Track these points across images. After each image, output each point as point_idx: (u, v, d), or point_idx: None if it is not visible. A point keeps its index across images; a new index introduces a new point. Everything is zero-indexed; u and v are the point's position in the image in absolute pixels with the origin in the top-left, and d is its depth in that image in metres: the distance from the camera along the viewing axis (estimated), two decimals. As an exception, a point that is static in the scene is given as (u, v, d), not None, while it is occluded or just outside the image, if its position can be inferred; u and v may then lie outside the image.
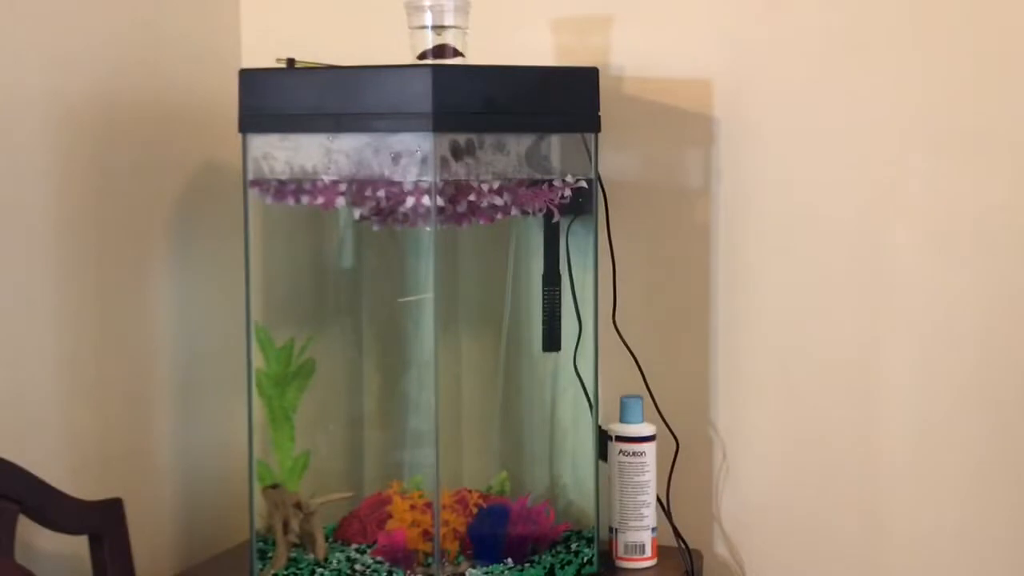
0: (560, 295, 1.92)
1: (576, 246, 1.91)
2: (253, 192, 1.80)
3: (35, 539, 1.73)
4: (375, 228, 1.81)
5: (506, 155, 1.79)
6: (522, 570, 1.80)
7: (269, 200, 1.80)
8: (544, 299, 1.93)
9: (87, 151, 1.83)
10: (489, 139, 1.77)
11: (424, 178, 1.71)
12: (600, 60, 2.01)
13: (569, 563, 1.85)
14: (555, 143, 1.84)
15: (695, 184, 2.02)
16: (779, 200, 1.98)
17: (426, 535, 1.80)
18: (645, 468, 1.90)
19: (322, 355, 1.89)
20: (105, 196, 1.87)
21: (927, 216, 1.94)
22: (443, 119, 1.69)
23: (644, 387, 1.97)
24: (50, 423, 1.79)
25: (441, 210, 1.72)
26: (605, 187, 1.91)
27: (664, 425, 1.97)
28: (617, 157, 2.00)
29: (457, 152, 1.74)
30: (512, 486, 1.95)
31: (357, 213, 1.78)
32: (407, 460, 1.94)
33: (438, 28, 1.81)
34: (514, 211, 1.80)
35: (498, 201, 1.77)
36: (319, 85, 1.76)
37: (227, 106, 1.82)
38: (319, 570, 1.81)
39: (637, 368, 1.97)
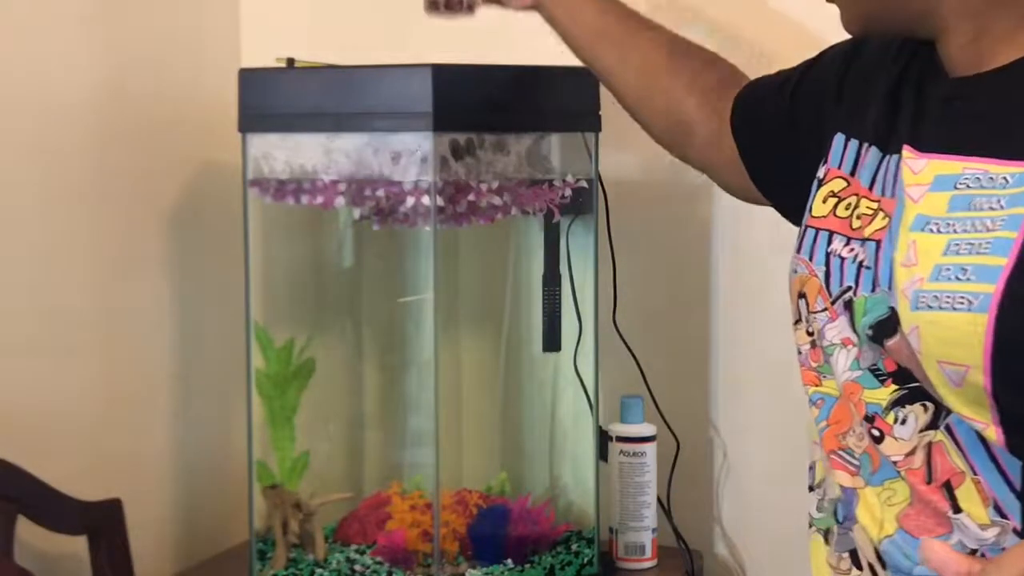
0: (560, 295, 1.92)
1: (576, 246, 1.91)
2: (253, 192, 1.80)
3: (35, 539, 1.73)
4: (375, 228, 1.81)
5: (506, 155, 1.78)
6: (522, 571, 1.80)
7: (269, 200, 1.80)
8: (544, 299, 1.93)
9: (87, 151, 1.83)
10: (489, 139, 1.76)
11: (424, 178, 1.70)
12: (600, 60, 2.00)
13: (569, 564, 1.84)
14: (555, 143, 1.84)
15: (696, 184, 2.01)
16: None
17: (426, 535, 1.80)
18: (645, 468, 1.90)
19: (322, 355, 1.89)
20: (105, 196, 1.87)
21: (927, 216, 1.94)
22: (443, 119, 1.69)
23: (644, 387, 1.96)
24: (50, 423, 1.79)
25: (441, 210, 1.72)
26: (605, 187, 1.91)
27: (664, 425, 1.97)
28: (617, 157, 2.00)
29: (457, 152, 1.73)
30: (512, 486, 1.95)
31: (357, 213, 1.77)
32: (407, 460, 1.94)
33: None
34: (514, 211, 1.80)
35: (498, 201, 1.77)
36: (319, 85, 1.76)
37: (227, 106, 1.82)
38: (319, 570, 1.81)
39: (637, 368, 1.96)
